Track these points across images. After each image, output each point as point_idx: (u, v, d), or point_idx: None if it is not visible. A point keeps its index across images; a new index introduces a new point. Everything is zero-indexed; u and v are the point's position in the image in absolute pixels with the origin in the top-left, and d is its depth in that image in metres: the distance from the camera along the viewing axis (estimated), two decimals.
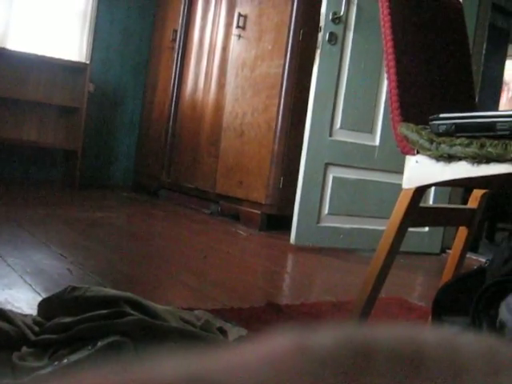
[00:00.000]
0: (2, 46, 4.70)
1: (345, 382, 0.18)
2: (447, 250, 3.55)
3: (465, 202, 2.05)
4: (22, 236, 2.58)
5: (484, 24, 3.89)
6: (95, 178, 5.38)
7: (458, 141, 1.21)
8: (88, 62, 5.04)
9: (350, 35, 3.28)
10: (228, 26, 4.31)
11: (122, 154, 5.56)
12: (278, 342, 0.19)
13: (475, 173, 1.20)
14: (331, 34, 3.19)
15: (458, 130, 1.23)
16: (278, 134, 3.73)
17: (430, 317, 1.45)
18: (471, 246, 2.30)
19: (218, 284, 2.20)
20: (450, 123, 1.24)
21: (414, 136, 1.31)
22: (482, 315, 1.20)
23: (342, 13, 3.21)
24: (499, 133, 1.14)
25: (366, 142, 3.43)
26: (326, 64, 3.21)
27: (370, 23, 3.24)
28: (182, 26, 4.92)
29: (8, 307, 1.47)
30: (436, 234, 3.70)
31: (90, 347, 1.14)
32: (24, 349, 1.17)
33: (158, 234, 3.35)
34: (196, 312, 1.53)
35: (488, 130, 1.16)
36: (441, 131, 1.25)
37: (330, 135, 3.29)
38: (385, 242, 1.38)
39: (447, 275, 1.71)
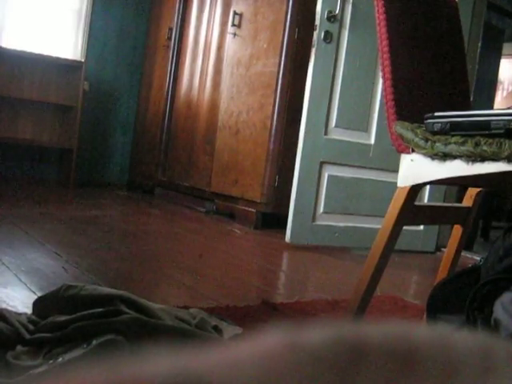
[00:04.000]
0: None
1: (338, 379, 0.18)
2: (442, 249, 3.56)
3: (460, 200, 2.06)
4: (17, 234, 2.58)
5: (479, 23, 3.89)
6: (90, 176, 5.37)
7: (453, 139, 1.22)
8: (83, 60, 5.02)
9: (346, 33, 3.28)
10: (223, 24, 4.30)
11: (118, 153, 5.55)
12: (270, 340, 0.19)
13: (470, 171, 1.20)
14: (326, 32, 3.19)
15: (453, 128, 1.23)
16: (273, 132, 3.73)
17: (425, 315, 1.46)
18: (466, 244, 2.30)
19: (213, 282, 2.20)
20: (444, 122, 1.24)
21: (409, 134, 1.32)
22: (477, 313, 1.21)
23: (337, 11, 3.21)
24: (494, 131, 1.15)
25: (361, 141, 3.43)
26: (321, 62, 3.21)
27: (365, 21, 3.24)
28: (177, 24, 4.91)
29: (3, 306, 1.47)
30: (431, 233, 3.71)
31: (84, 346, 1.14)
32: (19, 347, 1.17)
33: (153, 233, 3.35)
34: (191, 310, 1.53)
35: (483, 129, 1.17)
36: (436, 130, 1.26)
37: (326, 134, 3.29)
38: (380, 241, 1.38)
39: (442, 273, 1.72)
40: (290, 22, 3.70)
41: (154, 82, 5.20)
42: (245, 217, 3.85)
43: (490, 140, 1.15)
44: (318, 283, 2.58)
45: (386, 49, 1.43)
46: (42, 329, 1.23)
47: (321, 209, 3.34)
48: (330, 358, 0.19)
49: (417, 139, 1.29)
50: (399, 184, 1.38)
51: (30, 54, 4.71)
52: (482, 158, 1.16)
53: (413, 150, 1.33)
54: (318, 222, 3.34)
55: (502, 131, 1.13)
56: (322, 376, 0.18)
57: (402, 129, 1.34)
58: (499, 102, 7.38)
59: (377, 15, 1.45)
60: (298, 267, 2.91)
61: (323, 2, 3.18)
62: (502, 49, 6.87)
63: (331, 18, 3.21)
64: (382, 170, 3.45)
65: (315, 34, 3.19)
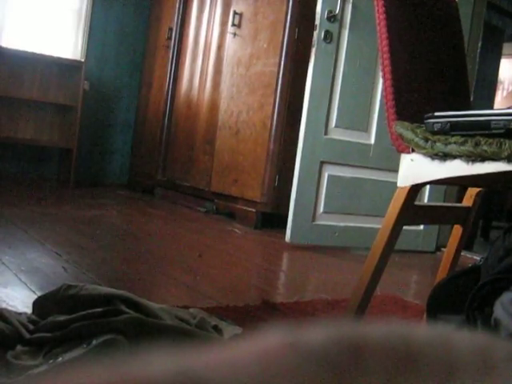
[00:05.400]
0: None
1: (337, 379, 0.18)
2: (442, 249, 3.56)
3: (460, 200, 2.06)
4: (17, 234, 2.58)
5: (479, 22, 3.89)
6: (90, 176, 5.37)
7: (453, 139, 1.22)
8: (83, 60, 5.02)
9: (346, 33, 3.28)
10: (223, 24, 4.30)
11: (118, 152, 5.55)
12: (270, 340, 0.19)
13: (470, 171, 1.20)
14: (327, 32, 3.19)
15: (453, 128, 1.23)
16: (273, 132, 3.73)
17: (425, 315, 1.46)
18: (466, 244, 2.30)
19: (213, 282, 2.20)
20: (445, 121, 1.24)
21: (409, 134, 1.32)
22: (477, 313, 1.20)
23: (337, 11, 3.21)
24: (494, 131, 1.14)
25: (362, 141, 3.43)
26: (321, 62, 3.21)
27: (365, 21, 3.24)
28: (177, 24, 4.91)
29: (3, 306, 1.47)
30: (431, 233, 3.71)
31: (84, 345, 1.14)
32: (19, 347, 1.17)
33: (153, 233, 3.35)
34: (191, 310, 1.53)
35: (483, 129, 1.17)
36: (436, 129, 1.26)
37: (326, 133, 3.29)
38: (380, 240, 1.38)
39: (442, 273, 1.72)
40: (290, 21, 3.70)
41: (154, 82, 5.20)
42: (245, 217, 3.85)
43: (490, 140, 1.15)
44: (318, 283, 2.58)
45: (385, 49, 1.43)
46: (41, 328, 1.23)
47: (321, 209, 3.34)
48: (330, 357, 0.19)
49: (417, 139, 1.29)
50: (399, 184, 1.38)
51: (30, 53, 4.71)
52: (482, 158, 1.16)
53: (413, 150, 1.33)
54: (318, 222, 3.34)
55: (502, 131, 1.13)
56: (321, 376, 0.18)
57: (402, 129, 1.34)
58: (499, 102, 7.38)
59: (377, 15, 1.45)
60: (298, 267, 2.91)
61: (323, 2, 3.18)
62: (502, 49, 6.87)
63: (331, 17, 3.21)
64: (381, 169, 3.45)
65: (315, 33, 3.19)
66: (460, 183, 2.28)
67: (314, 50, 3.19)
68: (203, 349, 0.19)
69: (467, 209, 1.71)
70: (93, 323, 1.18)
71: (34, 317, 1.32)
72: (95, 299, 1.27)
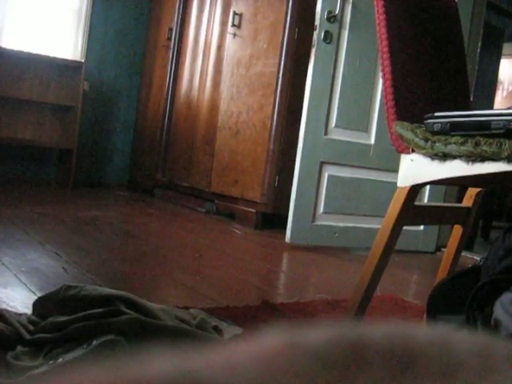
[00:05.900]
0: None
1: (338, 379, 0.18)
2: (442, 249, 3.55)
3: (460, 200, 2.06)
4: (17, 235, 2.58)
5: (479, 23, 3.89)
6: (90, 176, 5.37)
7: (453, 139, 1.22)
8: (83, 61, 5.02)
9: (346, 34, 3.28)
10: (223, 24, 4.30)
11: (117, 153, 5.55)
12: (270, 340, 0.19)
13: (470, 171, 1.20)
14: (326, 32, 3.19)
15: (453, 128, 1.23)
16: (273, 132, 3.73)
17: (425, 315, 1.46)
18: (466, 244, 2.30)
19: (213, 283, 2.20)
20: (445, 122, 1.24)
21: (408, 134, 1.32)
22: (477, 313, 1.20)
23: (337, 11, 3.21)
24: (494, 131, 1.14)
25: (362, 141, 3.43)
26: (321, 63, 3.21)
27: (365, 22, 3.24)
28: (177, 24, 4.91)
29: (3, 306, 1.47)
30: (431, 233, 3.71)
31: (84, 346, 1.14)
32: (19, 348, 1.17)
33: (153, 233, 3.34)
34: (191, 311, 1.53)
35: (483, 129, 1.17)
36: (436, 130, 1.26)
37: (326, 134, 3.29)
38: (380, 241, 1.38)
39: (442, 273, 1.71)
40: (290, 22, 3.70)
41: (154, 82, 5.20)
42: (245, 217, 3.85)
43: (490, 140, 1.15)
44: (318, 283, 2.58)
45: (385, 49, 1.43)
46: (42, 329, 1.23)
47: (321, 209, 3.34)
48: (330, 358, 0.19)
49: (417, 139, 1.29)
50: (399, 184, 1.38)
51: (30, 54, 4.71)
52: (482, 158, 1.16)
53: (413, 150, 1.33)
54: (318, 222, 3.34)
55: (502, 131, 1.13)
56: (322, 377, 0.18)
57: (402, 129, 1.34)
58: (499, 102, 7.38)
59: (377, 15, 1.45)
60: (298, 267, 2.91)
61: (323, 2, 3.18)
62: (502, 49, 6.87)
63: (331, 18, 3.21)
64: (381, 170, 3.44)
65: (315, 34, 3.19)
66: (460, 183, 2.28)
67: (313, 51, 3.19)
68: (203, 349, 0.19)
69: (467, 209, 1.71)
70: (93, 324, 1.18)
71: (34, 317, 1.32)
72: (95, 300, 1.27)
